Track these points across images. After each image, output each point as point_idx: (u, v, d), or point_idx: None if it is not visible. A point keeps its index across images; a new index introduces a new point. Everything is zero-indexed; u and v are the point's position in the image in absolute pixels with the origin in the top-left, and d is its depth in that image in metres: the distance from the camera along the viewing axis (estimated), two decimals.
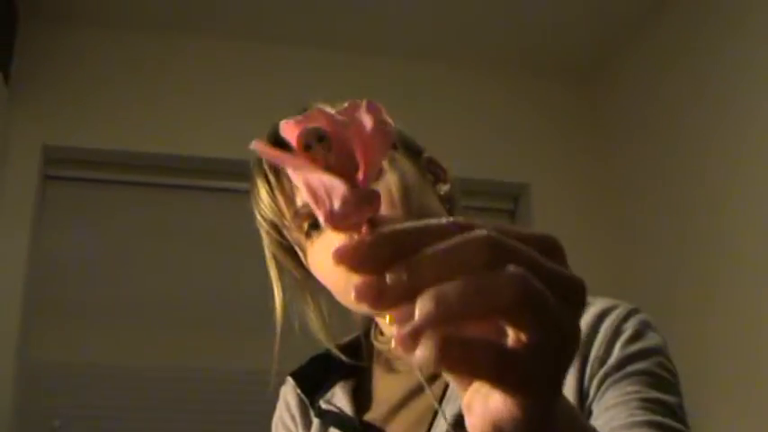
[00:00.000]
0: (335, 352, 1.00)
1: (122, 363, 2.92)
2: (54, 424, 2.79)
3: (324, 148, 0.44)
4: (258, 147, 0.46)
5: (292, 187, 0.89)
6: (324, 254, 0.89)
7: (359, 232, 0.44)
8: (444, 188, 0.98)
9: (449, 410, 0.87)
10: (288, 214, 0.91)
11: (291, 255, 0.96)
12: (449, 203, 0.98)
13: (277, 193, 0.91)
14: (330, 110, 0.46)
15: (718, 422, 2.62)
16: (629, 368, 0.83)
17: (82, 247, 3.04)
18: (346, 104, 0.46)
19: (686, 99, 2.99)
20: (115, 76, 3.13)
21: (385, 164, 0.89)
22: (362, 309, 0.90)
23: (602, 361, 0.84)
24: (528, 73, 3.51)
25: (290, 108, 2.97)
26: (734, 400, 2.63)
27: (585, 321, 0.87)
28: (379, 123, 0.46)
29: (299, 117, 0.46)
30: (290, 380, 1.05)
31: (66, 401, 2.83)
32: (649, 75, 3.21)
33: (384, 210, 0.85)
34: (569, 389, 0.83)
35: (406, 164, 0.93)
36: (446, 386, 0.89)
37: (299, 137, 0.45)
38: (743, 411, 2.59)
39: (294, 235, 0.93)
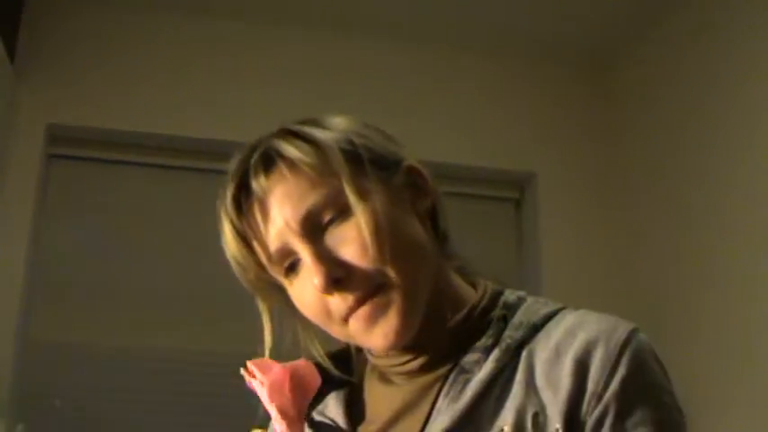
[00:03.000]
0: (327, 364, 0.97)
1: (124, 344, 2.91)
2: (55, 403, 2.79)
3: None
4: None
5: (266, 228, 0.88)
6: (303, 293, 0.89)
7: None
8: (426, 203, 0.93)
9: (438, 423, 0.85)
10: (264, 258, 0.90)
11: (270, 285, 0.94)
12: (431, 218, 0.94)
13: (252, 242, 0.90)
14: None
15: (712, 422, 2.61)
16: (633, 419, 0.81)
17: (84, 226, 3.03)
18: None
19: (698, 91, 2.97)
20: (121, 55, 3.10)
21: (353, 198, 0.85)
22: (342, 334, 0.90)
23: (599, 397, 0.81)
24: (539, 60, 3.47)
25: (299, 95, 2.90)
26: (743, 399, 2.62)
27: (575, 348, 0.84)
28: None
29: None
30: None
31: (67, 382, 2.83)
32: (661, 66, 3.18)
33: (355, 254, 0.84)
34: (555, 415, 0.81)
35: (377, 190, 0.88)
36: (435, 399, 0.88)
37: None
38: (742, 410, 2.58)
39: (272, 273, 0.92)
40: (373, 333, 0.86)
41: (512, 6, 3.17)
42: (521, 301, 0.93)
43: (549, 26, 3.28)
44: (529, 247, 3.35)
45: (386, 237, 0.85)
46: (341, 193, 0.85)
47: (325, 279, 0.84)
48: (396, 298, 0.86)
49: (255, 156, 0.89)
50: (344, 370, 0.99)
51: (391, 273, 0.85)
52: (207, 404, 2.89)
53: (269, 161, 0.88)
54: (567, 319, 0.89)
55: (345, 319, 0.87)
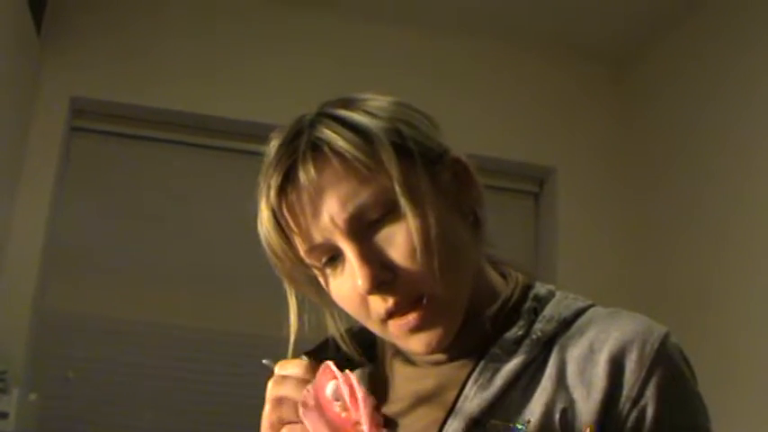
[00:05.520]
0: (350, 350, 0.96)
1: (137, 318, 2.94)
2: (67, 374, 2.81)
3: (340, 406, 0.80)
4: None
5: (309, 222, 0.85)
6: (341, 288, 0.87)
7: None
8: (469, 197, 0.91)
9: (465, 410, 0.85)
10: (302, 249, 0.87)
11: (301, 271, 0.91)
12: (473, 213, 0.92)
13: (292, 233, 0.86)
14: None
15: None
16: (667, 425, 0.82)
17: (104, 200, 3.04)
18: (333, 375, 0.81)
19: (718, 87, 2.95)
20: (148, 31, 3.11)
21: (404, 201, 0.82)
22: (379, 330, 0.89)
23: (635, 402, 0.82)
24: (561, 55, 3.45)
25: (325, 80, 2.89)
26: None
27: (610, 346, 0.84)
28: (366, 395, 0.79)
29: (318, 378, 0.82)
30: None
31: (80, 353, 2.86)
32: (682, 63, 3.17)
33: (404, 259, 0.82)
34: (586, 413, 0.82)
35: (427, 189, 0.86)
36: (464, 385, 0.87)
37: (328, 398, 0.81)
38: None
39: (308, 263, 0.89)
40: (415, 339, 0.86)
41: (539, 1, 3.16)
42: (551, 294, 0.93)
43: (572, 21, 3.26)
44: (546, 241, 3.34)
45: (436, 245, 0.83)
46: (390, 190, 0.83)
47: (370, 282, 0.82)
48: (442, 310, 0.85)
49: (303, 144, 0.85)
50: (368, 348, 0.98)
51: (438, 283, 0.84)
52: (218, 381, 2.91)
53: (318, 151, 0.84)
54: (599, 317, 0.89)
55: (384, 320, 0.86)
